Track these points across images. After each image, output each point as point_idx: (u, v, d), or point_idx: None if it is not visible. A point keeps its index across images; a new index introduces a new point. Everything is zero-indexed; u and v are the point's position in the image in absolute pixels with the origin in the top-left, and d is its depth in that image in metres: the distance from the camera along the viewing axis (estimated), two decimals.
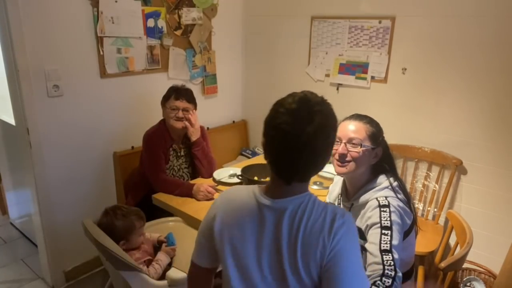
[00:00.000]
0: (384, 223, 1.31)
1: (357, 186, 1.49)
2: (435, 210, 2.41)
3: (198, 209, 1.96)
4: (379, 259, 1.23)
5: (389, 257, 1.23)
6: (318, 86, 2.84)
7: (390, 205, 1.34)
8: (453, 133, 2.32)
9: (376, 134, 1.46)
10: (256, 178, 2.16)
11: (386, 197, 1.38)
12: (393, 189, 1.41)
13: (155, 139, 2.26)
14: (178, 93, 2.25)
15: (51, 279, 2.47)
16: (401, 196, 1.41)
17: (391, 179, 1.44)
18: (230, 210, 1.09)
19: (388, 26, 2.44)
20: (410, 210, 1.42)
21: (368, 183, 1.46)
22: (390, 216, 1.32)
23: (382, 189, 1.42)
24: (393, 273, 1.20)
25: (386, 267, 1.21)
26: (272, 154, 1.02)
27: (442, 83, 2.30)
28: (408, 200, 1.43)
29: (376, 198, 1.39)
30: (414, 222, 1.46)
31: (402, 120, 2.49)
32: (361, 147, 1.42)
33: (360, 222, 1.42)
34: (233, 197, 1.11)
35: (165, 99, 2.28)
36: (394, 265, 1.21)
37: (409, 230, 1.41)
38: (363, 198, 1.44)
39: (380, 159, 1.47)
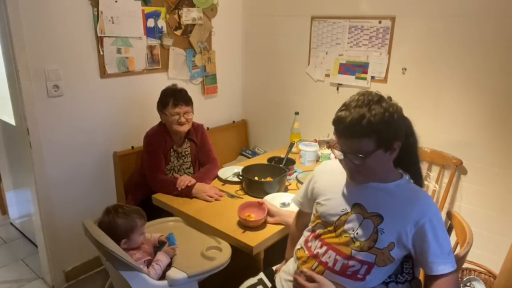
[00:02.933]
0: None
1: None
2: None
3: (198, 209, 1.96)
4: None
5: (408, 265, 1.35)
6: (318, 86, 2.83)
7: None
8: (453, 133, 2.32)
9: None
10: (256, 178, 2.16)
11: None
12: None
13: (155, 140, 2.26)
14: (176, 99, 2.20)
15: (51, 279, 2.47)
16: None
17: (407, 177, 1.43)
18: None
19: (388, 26, 2.44)
20: None
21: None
22: None
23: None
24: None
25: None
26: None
27: (442, 83, 2.30)
28: None
29: None
30: None
31: None
32: None
33: None
34: None
35: (163, 105, 2.23)
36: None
37: None
38: None
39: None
